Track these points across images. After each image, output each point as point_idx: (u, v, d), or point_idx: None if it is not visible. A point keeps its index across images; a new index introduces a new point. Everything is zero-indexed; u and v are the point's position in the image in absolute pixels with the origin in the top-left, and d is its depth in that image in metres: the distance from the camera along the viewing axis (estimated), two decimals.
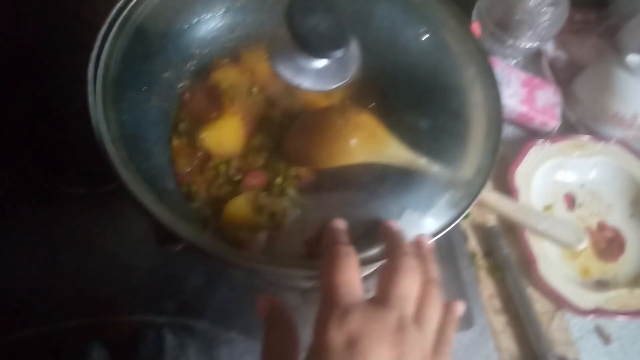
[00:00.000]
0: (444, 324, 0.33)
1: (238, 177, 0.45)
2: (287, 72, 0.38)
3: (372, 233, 0.37)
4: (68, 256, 0.50)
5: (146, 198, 0.35)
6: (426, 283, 0.32)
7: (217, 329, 0.49)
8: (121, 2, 0.41)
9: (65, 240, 0.51)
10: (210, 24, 0.48)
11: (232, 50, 0.49)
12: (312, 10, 0.35)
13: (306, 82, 0.37)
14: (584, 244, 0.37)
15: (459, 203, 0.39)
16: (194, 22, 0.47)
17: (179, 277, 0.51)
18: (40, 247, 0.50)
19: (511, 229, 0.59)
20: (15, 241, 0.51)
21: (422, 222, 0.37)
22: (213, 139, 0.45)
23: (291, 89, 0.48)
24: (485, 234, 0.59)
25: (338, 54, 0.34)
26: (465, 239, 0.58)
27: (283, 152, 0.45)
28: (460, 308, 0.35)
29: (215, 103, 0.47)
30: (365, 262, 0.36)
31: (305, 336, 0.49)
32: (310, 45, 0.34)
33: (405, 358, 0.29)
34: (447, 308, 0.34)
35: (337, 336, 0.29)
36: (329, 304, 0.30)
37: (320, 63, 0.37)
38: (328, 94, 0.48)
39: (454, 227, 0.57)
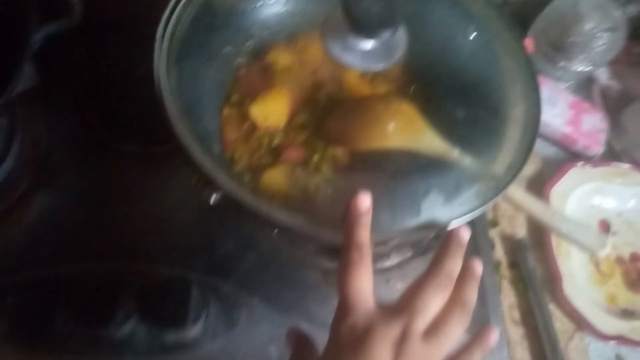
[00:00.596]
0: (472, 347, 0.34)
1: (279, 150, 0.47)
2: (336, 50, 0.40)
3: (397, 208, 0.38)
4: (115, 204, 0.54)
5: (193, 147, 0.38)
6: (453, 303, 0.33)
7: (240, 293, 0.51)
8: None
9: (115, 190, 0.55)
10: (273, 9, 0.51)
11: (290, 35, 0.52)
12: None
13: (354, 61, 0.40)
14: (606, 250, 0.37)
15: (486, 196, 0.40)
16: (258, 5, 0.50)
17: (212, 239, 0.54)
18: (92, 193, 0.55)
19: (540, 245, 0.59)
20: (72, 186, 0.55)
21: (446, 207, 0.38)
22: (260, 113, 0.48)
23: (339, 77, 0.51)
24: (513, 246, 0.59)
25: (386, 34, 0.37)
26: (492, 247, 0.58)
27: (324, 132, 0.47)
28: (494, 336, 0.35)
29: (267, 81, 0.50)
30: (387, 238, 0.38)
31: (325, 314, 0.51)
32: (361, 24, 0.37)
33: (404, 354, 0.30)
34: (480, 334, 0.35)
35: (346, 335, 0.32)
36: (343, 309, 0.33)
37: (369, 44, 0.39)
38: (373, 85, 0.50)
39: (482, 234, 0.58)
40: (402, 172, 0.43)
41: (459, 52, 0.49)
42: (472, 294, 0.34)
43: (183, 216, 0.55)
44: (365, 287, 0.33)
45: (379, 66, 0.41)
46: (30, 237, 0.52)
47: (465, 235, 0.36)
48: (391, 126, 0.43)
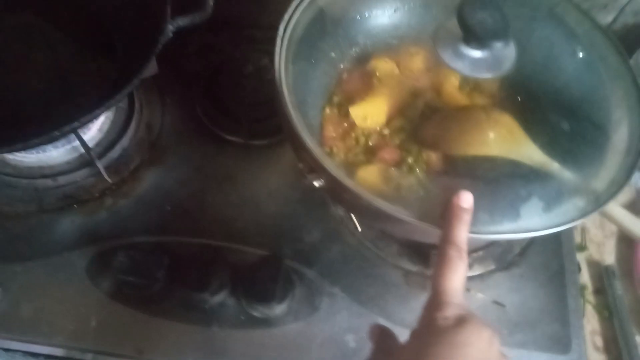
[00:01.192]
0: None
1: (374, 150, 0.50)
2: (448, 57, 0.42)
3: (493, 212, 0.39)
4: (215, 188, 0.59)
5: (306, 135, 0.41)
6: None
7: (323, 281, 0.54)
8: None
9: (217, 175, 0.60)
10: (378, 20, 0.54)
11: (392, 46, 0.55)
12: (481, 7, 0.40)
13: (464, 68, 0.42)
14: None
15: (585, 209, 0.40)
16: (366, 16, 0.54)
17: (300, 228, 0.57)
18: (196, 175, 0.60)
19: (628, 274, 0.57)
20: (179, 167, 0.61)
21: (545, 215, 0.39)
22: (360, 114, 0.50)
23: (437, 87, 0.53)
24: (600, 272, 0.58)
25: (498, 45, 0.39)
26: (578, 269, 0.57)
27: (420, 136, 0.49)
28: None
29: (367, 86, 0.53)
30: (485, 239, 0.39)
31: (403, 314, 0.52)
32: (476, 34, 0.39)
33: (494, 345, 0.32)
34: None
35: (440, 325, 0.32)
36: (437, 301, 0.34)
37: (479, 53, 0.41)
38: (470, 97, 0.52)
39: (569, 255, 0.57)
40: (495, 179, 0.44)
41: (562, 71, 0.50)
42: None
43: (275, 205, 0.58)
44: (460, 283, 0.35)
45: (488, 75, 0.43)
46: (139, 207, 0.58)
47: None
48: (492, 135, 0.45)
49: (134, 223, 0.56)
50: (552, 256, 0.57)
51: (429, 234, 0.40)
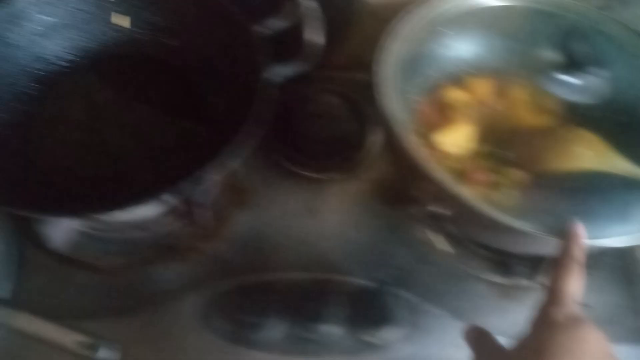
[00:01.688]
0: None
1: (464, 174, 0.53)
2: (549, 84, 0.47)
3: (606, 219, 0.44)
4: (302, 223, 0.62)
5: (434, 168, 0.45)
6: None
7: (423, 302, 0.56)
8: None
9: (300, 210, 0.63)
10: (444, 53, 0.59)
11: (457, 76, 0.59)
12: (580, 39, 0.45)
13: (564, 93, 0.47)
14: None
15: None
16: (435, 49, 0.59)
17: (391, 254, 0.60)
18: (281, 212, 0.63)
19: None
20: (262, 205, 0.63)
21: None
22: (446, 141, 0.54)
23: (509, 110, 0.58)
24: None
25: (600, 73, 0.44)
26: None
27: (508, 157, 0.53)
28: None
29: (445, 114, 0.57)
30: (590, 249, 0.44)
31: (503, 325, 0.55)
32: (580, 63, 0.44)
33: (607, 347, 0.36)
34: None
35: (558, 319, 0.37)
36: (555, 299, 0.39)
37: (578, 81, 0.46)
38: (540, 118, 0.57)
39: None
40: (591, 190, 0.48)
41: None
42: None
43: (363, 235, 0.62)
44: (574, 289, 0.39)
45: (585, 99, 0.48)
46: (235, 249, 0.60)
47: None
48: (580, 150, 0.49)
49: (234, 264, 0.58)
50: (622, 254, 0.62)
51: (550, 245, 0.45)
